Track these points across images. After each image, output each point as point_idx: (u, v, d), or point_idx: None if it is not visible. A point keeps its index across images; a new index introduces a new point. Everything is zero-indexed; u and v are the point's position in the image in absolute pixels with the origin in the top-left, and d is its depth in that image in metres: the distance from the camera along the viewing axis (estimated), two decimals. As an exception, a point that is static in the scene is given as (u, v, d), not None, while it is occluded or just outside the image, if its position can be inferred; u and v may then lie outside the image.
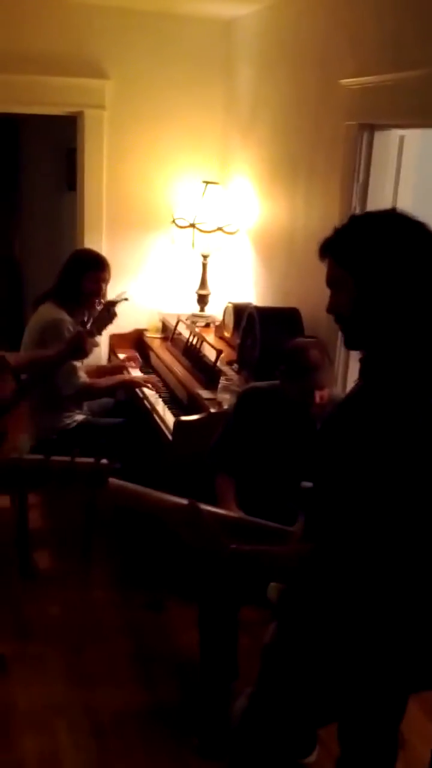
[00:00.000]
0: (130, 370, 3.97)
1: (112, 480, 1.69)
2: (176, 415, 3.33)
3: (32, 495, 3.61)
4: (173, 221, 4.31)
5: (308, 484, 1.80)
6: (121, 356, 4.21)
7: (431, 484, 1.57)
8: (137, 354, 4.22)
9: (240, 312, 3.69)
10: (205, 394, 3.37)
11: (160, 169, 4.43)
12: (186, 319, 4.20)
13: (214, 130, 4.44)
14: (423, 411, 1.55)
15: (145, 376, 3.86)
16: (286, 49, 3.69)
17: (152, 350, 4.19)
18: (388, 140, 3.01)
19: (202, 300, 4.38)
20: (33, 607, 3.23)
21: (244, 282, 4.28)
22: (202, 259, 4.33)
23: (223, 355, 3.55)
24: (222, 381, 3.36)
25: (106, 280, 3.57)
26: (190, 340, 3.88)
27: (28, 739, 2.56)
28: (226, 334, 3.94)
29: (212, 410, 3.20)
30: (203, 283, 4.37)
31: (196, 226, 4.14)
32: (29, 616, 3.18)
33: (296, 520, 1.97)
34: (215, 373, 3.46)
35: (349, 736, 1.85)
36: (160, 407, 3.55)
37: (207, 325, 4.24)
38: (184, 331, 4.04)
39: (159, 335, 4.37)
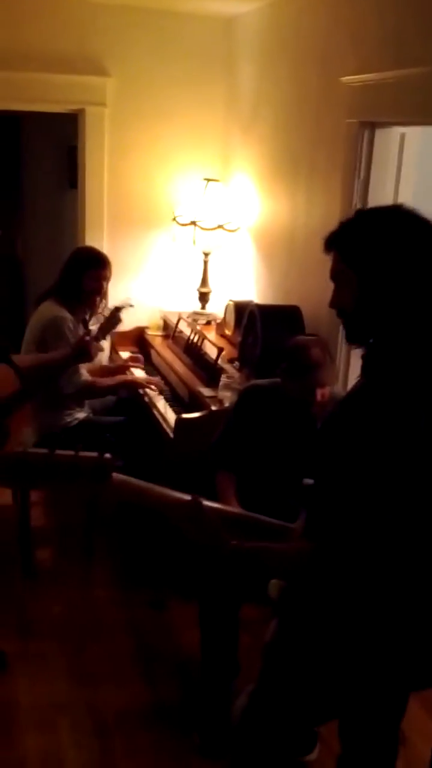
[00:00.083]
0: (133, 371, 3.96)
1: (116, 475, 1.69)
2: (177, 412, 3.33)
3: (34, 492, 3.61)
4: (174, 219, 4.31)
5: (310, 482, 1.80)
6: (123, 355, 4.20)
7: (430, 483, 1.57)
8: (140, 354, 4.22)
9: (241, 310, 3.69)
10: (206, 391, 3.37)
11: (161, 166, 4.43)
12: (187, 317, 4.20)
13: (215, 127, 4.44)
14: (425, 408, 1.55)
15: (148, 377, 3.85)
16: (287, 46, 3.69)
17: (153, 348, 4.19)
18: (389, 138, 3.01)
19: (203, 298, 4.38)
20: (35, 605, 3.24)
21: (245, 280, 4.28)
22: (203, 256, 4.33)
23: (224, 352, 3.55)
24: (223, 379, 3.36)
25: (107, 278, 3.57)
26: (191, 337, 3.88)
27: (30, 737, 2.56)
28: (227, 332, 3.94)
29: (213, 408, 3.20)
30: (204, 281, 4.37)
31: (197, 223, 4.14)
32: (31, 615, 3.18)
33: (297, 517, 1.97)
34: (216, 371, 3.46)
35: (350, 734, 1.85)
36: (162, 405, 3.55)
37: (208, 323, 4.24)
38: (185, 329, 4.04)
39: (160, 333, 4.37)
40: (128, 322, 4.03)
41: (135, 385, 3.76)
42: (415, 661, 1.68)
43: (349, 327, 1.70)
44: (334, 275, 1.68)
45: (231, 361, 3.58)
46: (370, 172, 3.01)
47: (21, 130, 6.33)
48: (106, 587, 3.39)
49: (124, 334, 4.37)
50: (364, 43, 2.98)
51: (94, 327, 3.58)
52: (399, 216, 1.63)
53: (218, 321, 4.20)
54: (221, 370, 3.45)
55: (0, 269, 6.59)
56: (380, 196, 3.00)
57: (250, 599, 2.52)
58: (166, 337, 4.29)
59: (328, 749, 2.37)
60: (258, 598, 2.35)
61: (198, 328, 3.97)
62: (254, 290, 4.14)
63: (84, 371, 3.51)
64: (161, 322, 4.45)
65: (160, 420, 3.43)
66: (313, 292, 3.35)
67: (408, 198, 3.02)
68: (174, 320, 4.20)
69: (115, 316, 3.44)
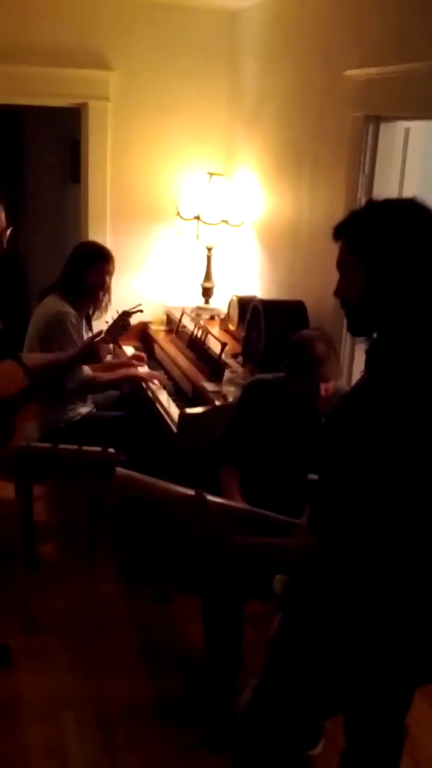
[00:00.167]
0: (138, 368, 3.95)
1: (119, 469, 1.69)
2: (181, 407, 3.33)
3: (37, 487, 3.61)
4: (178, 213, 4.30)
5: (314, 477, 1.79)
6: (127, 349, 4.19)
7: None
8: (143, 350, 4.21)
9: (245, 305, 3.68)
10: (209, 386, 3.37)
11: (165, 161, 4.42)
12: (190, 312, 4.19)
13: (218, 122, 4.43)
14: (428, 405, 1.54)
15: (150, 372, 3.85)
16: (291, 40, 3.67)
17: (157, 343, 4.19)
18: (393, 132, 3.00)
19: (207, 293, 4.37)
20: (39, 599, 3.24)
21: (248, 275, 4.27)
22: (206, 251, 4.32)
23: (227, 347, 3.54)
24: (227, 374, 3.36)
25: (110, 273, 3.57)
26: (195, 332, 3.87)
27: (34, 730, 2.57)
28: (231, 327, 3.93)
29: (217, 403, 3.20)
30: (208, 276, 4.36)
31: (201, 218, 4.14)
32: (35, 609, 3.19)
33: (302, 512, 1.97)
34: (220, 366, 3.46)
35: (355, 729, 1.85)
36: (165, 400, 3.55)
37: (211, 318, 4.24)
38: (188, 324, 4.03)
39: (163, 328, 4.36)
40: (132, 317, 4.01)
41: (137, 379, 3.76)
42: (420, 656, 1.68)
43: (353, 318, 1.69)
44: (341, 265, 1.66)
45: (235, 356, 3.57)
46: (375, 166, 3.00)
47: (24, 125, 6.31)
48: (110, 582, 3.39)
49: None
50: (367, 37, 2.97)
51: (96, 325, 3.60)
52: (412, 210, 1.61)
53: (222, 316, 4.20)
54: (225, 365, 3.45)
55: (3, 264, 6.58)
56: (385, 190, 2.99)
57: (254, 594, 2.52)
58: (169, 331, 4.28)
59: (332, 744, 2.37)
60: (262, 593, 2.35)
61: (201, 323, 3.97)
62: (258, 285, 4.14)
63: (86, 367, 3.51)
64: (164, 317, 4.44)
65: (164, 415, 3.43)
66: (318, 286, 3.34)
67: (412, 192, 3.00)
68: (177, 315, 4.20)
69: (123, 320, 3.47)
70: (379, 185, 3.01)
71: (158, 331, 4.32)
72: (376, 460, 1.52)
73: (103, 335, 3.44)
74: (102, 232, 4.38)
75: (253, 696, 1.85)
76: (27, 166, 6.40)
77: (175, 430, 3.23)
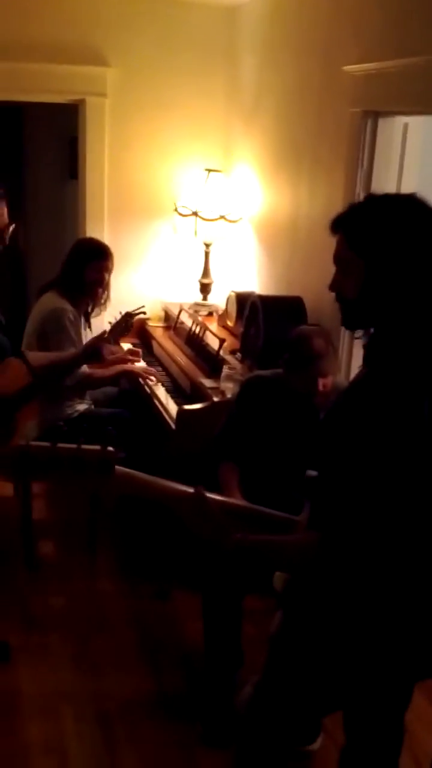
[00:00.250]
0: (133, 363, 3.95)
1: (119, 468, 1.69)
2: (179, 404, 3.32)
3: (36, 485, 3.61)
4: (176, 209, 4.29)
5: (313, 473, 1.79)
6: (125, 346, 4.19)
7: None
8: (140, 345, 4.20)
9: (243, 301, 3.68)
10: (208, 383, 3.37)
11: (163, 157, 4.41)
12: (188, 308, 4.19)
13: (216, 117, 4.41)
14: (427, 398, 1.54)
15: (146, 367, 3.83)
16: (290, 35, 3.66)
17: (155, 339, 4.18)
18: (392, 128, 2.99)
19: (205, 289, 4.37)
20: (38, 597, 3.24)
21: (246, 271, 4.26)
22: (204, 247, 4.32)
23: (226, 343, 3.54)
24: (225, 370, 3.35)
25: (109, 270, 3.56)
26: (193, 329, 3.87)
27: (34, 726, 2.57)
28: (229, 323, 3.93)
29: (215, 399, 3.20)
30: (206, 272, 4.36)
31: (199, 214, 4.13)
32: (35, 606, 3.19)
33: (301, 509, 1.97)
34: (218, 362, 3.46)
35: (354, 725, 1.85)
36: (163, 396, 3.55)
37: (210, 314, 4.23)
38: (186, 320, 4.03)
39: (161, 324, 4.36)
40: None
41: (133, 375, 3.75)
42: (420, 652, 1.69)
43: (349, 313, 1.68)
44: (339, 259, 1.65)
45: (233, 352, 3.57)
46: (373, 162, 3.00)
47: (23, 122, 6.31)
48: (109, 579, 3.39)
49: (125, 325, 4.36)
50: (366, 32, 2.96)
51: (95, 322, 3.59)
52: (412, 205, 1.60)
53: (220, 312, 4.19)
54: (223, 361, 3.44)
55: (2, 260, 6.56)
56: (383, 186, 2.98)
57: (254, 590, 2.52)
58: (167, 328, 4.28)
59: (332, 740, 2.37)
60: (262, 590, 2.35)
61: (199, 319, 3.96)
62: (256, 281, 4.13)
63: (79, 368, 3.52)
64: (162, 314, 4.44)
65: (162, 411, 3.42)
66: (316, 282, 3.34)
67: (411, 188, 3.00)
68: (175, 311, 4.19)
69: (127, 321, 3.47)
70: (378, 180, 3.01)
71: (156, 328, 4.32)
72: (376, 455, 1.52)
73: (105, 335, 3.44)
74: (100, 229, 4.38)
75: (254, 692, 1.85)
76: (26, 163, 6.39)
77: (173, 426, 3.23)
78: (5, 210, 2.64)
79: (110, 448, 1.68)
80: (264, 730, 1.81)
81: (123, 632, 3.06)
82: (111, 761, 2.47)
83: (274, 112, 3.86)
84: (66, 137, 5.34)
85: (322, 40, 3.33)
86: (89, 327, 3.66)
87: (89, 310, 3.63)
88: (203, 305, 4.32)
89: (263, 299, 3.42)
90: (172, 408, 3.36)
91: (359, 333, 1.90)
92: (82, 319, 3.60)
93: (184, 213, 4.22)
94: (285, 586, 1.92)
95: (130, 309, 3.51)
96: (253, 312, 3.42)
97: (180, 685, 2.79)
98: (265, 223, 4.03)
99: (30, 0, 4.03)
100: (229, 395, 3.17)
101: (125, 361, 3.91)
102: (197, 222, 4.15)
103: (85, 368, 3.51)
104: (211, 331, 3.73)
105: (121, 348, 4.14)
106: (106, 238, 4.09)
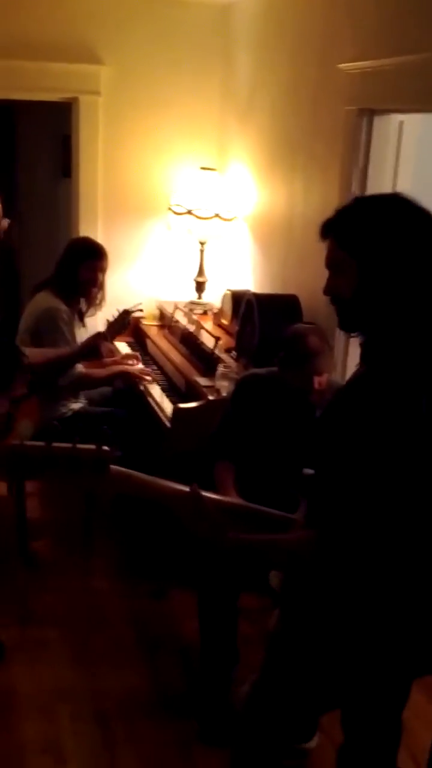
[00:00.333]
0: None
1: (114, 467, 1.68)
2: (174, 402, 3.32)
3: (29, 484, 3.60)
4: (170, 208, 4.29)
5: (310, 471, 1.79)
6: (119, 345, 4.17)
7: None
8: (137, 347, 4.19)
9: (238, 299, 3.68)
10: (203, 381, 3.36)
11: (157, 155, 4.40)
12: (183, 307, 4.18)
13: (211, 116, 4.41)
14: (425, 395, 1.54)
15: (141, 368, 3.82)
16: (285, 33, 3.66)
17: (149, 338, 4.17)
18: (387, 126, 2.99)
19: (200, 287, 4.36)
20: (35, 595, 3.24)
21: (241, 269, 4.26)
22: (199, 246, 4.31)
23: (221, 342, 3.54)
24: (220, 368, 3.35)
25: (103, 269, 3.56)
26: (188, 327, 3.86)
27: (31, 725, 2.57)
28: (224, 322, 3.93)
29: (210, 397, 3.19)
30: (201, 271, 4.35)
31: (193, 212, 4.12)
32: (31, 604, 3.18)
33: (297, 507, 1.97)
34: (213, 361, 3.45)
35: (352, 723, 1.85)
36: (158, 395, 3.54)
37: (204, 313, 4.22)
38: (181, 319, 4.02)
39: (156, 323, 4.35)
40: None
41: (129, 376, 3.74)
42: (417, 648, 1.69)
43: (345, 314, 1.69)
44: (331, 263, 1.67)
45: (228, 350, 3.57)
46: (369, 160, 3.00)
47: (16, 120, 6.29)
48: (106, 577, 3.39)
49: (120, 324, 4.36)
50: (362, 29, 2.96)
51: (90, 322, 3.59)
52: (399, 203, 1.62)
53: (215, 311, 4.19)
54: (218, 360, 3.44)
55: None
56: (379, 184, 2.98)
57: (250, 589, 2.52)
58: (162, 326, 4.27)
59: (329, 739, 2.37)
60: (258, 588, 2.35)
61: (194, 317, 3.96)
62: (251, 279, 4.13)
63: (78, 363, 3.51)
64: (157, 312, 4.43)
65: (157, 410, 3.42)
66: (311, 280, 3.33)
67: (407, 186, 3.01)
68: (170, 310, 4.18)
69: (124, 318, 3.48)
70: (373, 178, 3.01)
71: (150, 326, 4.31)
72: (375, 453, 1.52)
73: (104, 332, 3.45)
74: (93, 227, 4.37)
75: (252, 690, 1.85)
76: (19, 161, 6.38)
77: (168, 425, 3.22)
78: None
79: (105, 447, 1.67)
80: (262, 728, 1.81)
81: (120, 631, 3.06)
82: (108, 760, 2.46)
83: (269, 110, 3.86)
84: (59, 136, 5.32)
85: (317, 38, 3.33)
86: (84, 326, 3.65)
87: (83, 309, 3.62)
88: (198, 304, 4.32)
89: (258, 297, 3.42)
90: (167, 407, 3.36)
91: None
92: (77, 319, 3.59)
93: (178, 211, 4.21)
94: (282, 584, 1.92)
95: (125, 307, 3.51)
96: (248, 310, 3.41)
97: (177, 683, 2.79)
98: (260, 222, 4.03)
99: (23, -3, 4.03)
100: (224, 394, 3.17)
101: (122, 363, 3.90)
102: (192, 220, 4.15)
103: (80, 368, 3.51)
104: (206, 330, 3.73)
105: (118, 350, 4.12)
106: (100, 237, 4.08)
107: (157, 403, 3.46)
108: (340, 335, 3.12)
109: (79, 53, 4.16)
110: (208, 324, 3.96)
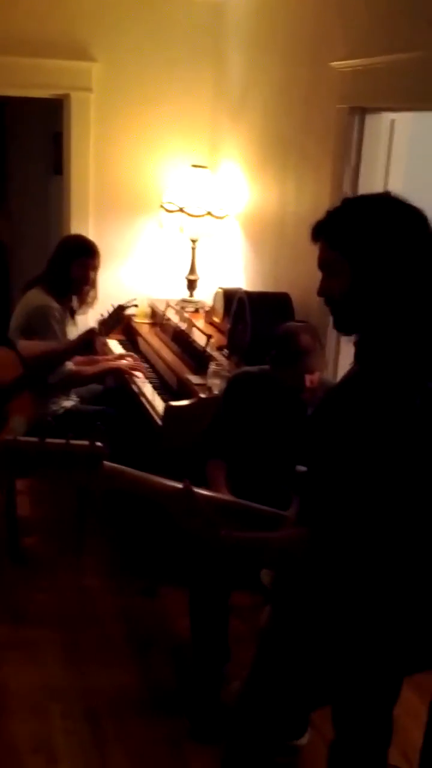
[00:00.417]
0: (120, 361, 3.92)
1: (107, 463, 1.68)
2: (166, 400, 3.31)
3: (19, 481, 3.59)
4: (161, 206, 4.28)
5: (303, 469, 1.79)
6: (111, 343, 4.16)
7: (426, 466, 1.57)
8: (128, 345, 4.18)
9: (230, 297, 3.68)
10: (194, 379, 3.36)
11: (148, 152, 4.39)
12: (175, 305, 4.18)
13: (203, 113, 4.40)
14: (419, 394, 1.55)
15: (132, 363, 3.81)
16: (277, 31, 3.66)
17: (141, 336, 4.17)
18: (379, 124, 3.00)
19: (192, 285, 4.36)
20: (26, 593, 3.23)
21: (233, 267, 4.26)
22: (191, 243, 4.31)
23: (212, 340, 3.53)
24: (212, 366, 3.35)
25: (95, 267, 3.55)
26: (180, 325, 3.86)
27: (21, 723, 2.56)
28: (216, 320, 3.92)
29: (202, 395, 3.19)
30: (192, 268, 4.35)
31: (185, 210, 4.12)
32: (22, 602, 3.17)
33: (289, 504, 1.97)
34: (205, 359, 3.45)
35: (343, 719, 1.86)
36: (150, 393, 3.53)
37: (196, 311, 4.22)
38: (173, 317, 4.02)
39: (148, 321, 4.34)
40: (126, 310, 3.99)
41: (120, 372, 3.74)
42: (408, 646, 1.69)
43: (340, 315, 1.69)
44: (323, 264, 1.67)
45: (220, 348, 3.57)
46: (361, 158, 3.00)
47: (6, 116, 6.27)
48: (97, 575, 3.38)
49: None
50: (354, 27, 2.96)
51: (82, 320, 3.59)
52: (389, 203, 1.62)
53: (206, 308, 4.18)
54: (210, 358, 3.44)
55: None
56: (370, 182, 2.99)
57: (241, 586, 2.52)
58: (153, 324, 4.26)
59: (320, 736, 2.38)
60: (250, 586, 2.35)
61: (186, 315, 3.95)
62: (243, 277, 4.13)
63: (68, 361, 3.51)
64: (149, 310, 4.42)
65: (149, 408, 3.41)
66: (303, 278, 3.34)
67: (398, 184, 3.02)
68: (162, 308, 4.18)
69: (118, 314, 3.47)
70: (365, 177, 3.01)
71: (142, 324, 4.30)
72: (368, 452, 1.52)
73: (98, 328, 3.45)
74: (85, 225, 4.36)
75: (244, 687, 1.86)
76: (10, 159, 6.37)
77: (160, 423, 3.22)
78: None
79: (99, 444, 1.67)
80: (253, 725, 1.82)
81: (111, 628, 3.05)
82: (99, 758, 2.46)
83: (261, 108, 3.86)
84: (50, 133, 5.31)
85: (309, 36, 3.33)
86: (75, 324, 3.64)
87: (75, 307, 3.61)
88: (190, 301, 4.31)
89: (250, 295, 3.42)
90: (159, 405, 3.35)
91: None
92: (68, 317, 3.58)
93: (170, 209, 4.21)
94: (274, 581, 1.92)
95: (120, 303, 3.51)
96: (240, 308, 3.41)
97: (168, 681, 2.79)
98: (252, 220, 4.03)
99: (14, -7, 4.01)
100: (216, 392, 3.17)
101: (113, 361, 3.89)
102: (183, 218, 4.14)
103: (70, 366, 3.50)
104: (197, 328, 3.73)
105: (111, 348, 4.11)
106: (92, 234, 4.07)
107: (148, 401, 3.46)
108: (332, 333, 3.12)
109: (72, 50, 4.14)
110: (200, 322, 3.96)
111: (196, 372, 3.44)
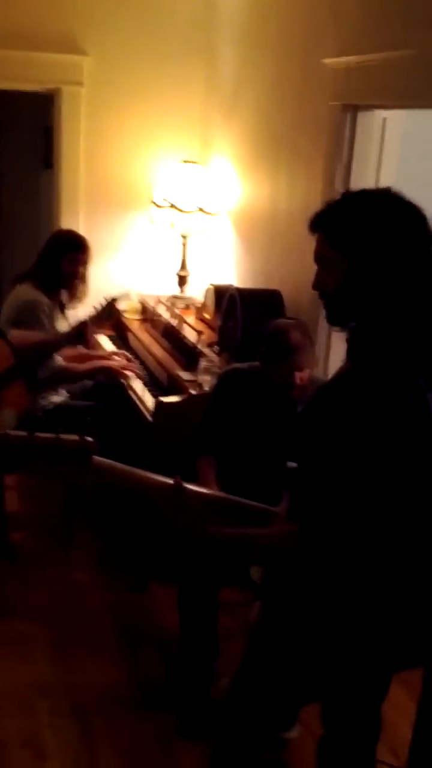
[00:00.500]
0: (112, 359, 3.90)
1: (97, 457, 1.67)
2: (156, 397, 3.31)
3: (7, 476, 3.58)
4: (152, 201, 4.27)
5: (293, 465, 1.79)
6: (101, 339, 4.15)
7: (419, 462, 1.57)
8: (118, 341, 4.17)
9: (221, 294, 3.67)
10: (185, 375, 3.36)
11: (139, 147, 4.38)
12: (166, 301, 4.17)
13: (194, 109, 4.39)
14: (410, 390, 1.55)
15: (124, 362, 3.80)
16: (269, 27, 3.65)
17: (131, 332, 4.15)
18: (371, 121, 3.00)
19: (182, 281, 4.35)
20: (14, 588, 3.22)
21: (224, 263, 4.25)
22: (182, 239, 4.30)
23: (203, 336, 3.53)
24: (202, 362, 3.34)
25: (85, 262, 3.54)
26: (170, 321, 3.85)
27: (10, 719, 2.55)
28: (207, 316, 3.92)
29: (192, 392, 3.19)
30: (183, 265, 4.34)
31: (176, 206, 4.11)
32: (11, 598, 3.16)
33: (280, 500, 1.97)
34: (195, 355, 3.44)
35: (332, 715, 1.86)
36: (140, 389, 3.53)
37: (187, 307, 4.21)
38: (163, 313, 4.01)
39: (138, 317, 4.33)
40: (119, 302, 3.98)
41: (111, 370, 3.73)
42: (397, 642, 1.69)
43: (333, 309, 1.68)
44: (320, 258, 1.65)
45: (211, 345, 3.56)
46: (352, 156, 3.00)
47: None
48: (86, 570, 3.38)
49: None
50: (346, 25, 2.96)
51: (72, 315, 3.58)
52: (389, 199, 1.60)
53: (197, 305, 4.18)
54: (200, 354, 3.43)
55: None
56: (362, 180, 2.99)
57: (231, 583, 2.52)
58: (144, 320, 4.25)
59: (308, 732, 2.38)
60: (240, 582, 2.35)
61: (177, 311, 3.94)
62: (234, 274, 4.12)
63: (59, 357, 3.49)
64: (139, 306, 4.41)
65: (139, 404, 3.40)
66: (294, 275, 3.34)
67: (390, 182, 2.99)
68: (152, 304, 4.17)
69: (111, 305, 3.46)
70: (356, 174, 3.01)
71: (132, 320, 4.29)
72: (359, 448, 1.52)
73: (90, 319, 3.44)
74: (75, 219, 4.34)
75: (233, 682, 1.85)
76: (0, 153, 6.33)
77: (150, 419, 3.22)
78: None
79: (89, 438, 1.66)
80: (242, 721, 1.82)
81: (100, 624, 3.05)
82: (88, 754, 2.46)
83: (254, 104, 3.85)
84: (40, 127, 5.28)
85: (301, 32, 3.33)
86: (65, 319, 3.63)
87: (65, 302, 3.60)
88: (180, 298, 4.30)
89: (241, 292, 3.42)
90: (149, 401, 3.34)
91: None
92: (58, 311, 3.57)
93: (160, 205, 4.20)
94: (263, 578, 1.92)
95: (112, 295, 3.51)
96: (231, 305, 3.41)
97: (157, 677, 2.79)
98: (244, 216, 4.02)
99: (5, -14, 3.98)
100: (206, 388, 3.16)
101: (108, 359, 3.87)
102: (174, 214, 4.13)
103: (61, 362, 3.49)
104: (188, 324, 3.72)
105: (103, 347, 4.09)
106: (82, 229, 4.05)
107: (138, 397, 3.45)
108: (322, 330, 3.13)
109: (63, 44, 4.12)
110: (191, 318, 3.95)
111: (186, 368, 3.43)
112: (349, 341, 1.66)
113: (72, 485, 3.41)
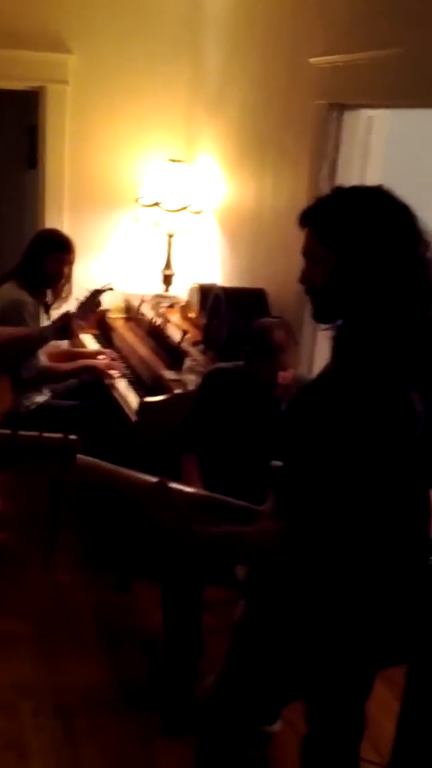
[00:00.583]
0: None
1: (80, 456, 1.66)
2: (141, 396, 3.30)
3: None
4: (137, 200, 4.26)
5: (278, 464, 1.79)
6: (85, 337, 4.13)
7: (402, 461, 1.58)
8: (102, 340, 4.15)
9: (206, 292, 3.67)
10: (169, 374, 3.35)
11: (124, 146, 4.36)
12: (150, 300, 4.16)
13: (179, 107, 4.38)
14: (393, 388, 1.55)
15: (109, 362, 3.78)
16: (255, 25, 3.65)
17: (115, 331, 4.14)
18: (356, 121, 3.00)
19: (167, 280, 4.34)
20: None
21: (209, 262, 4.25)
22: (167, 238, 4.29)
23: (188, 335, 3.52)
24: (187, 362, 3.34)
25: (70, 262, 3.52)
26: (154, 320, 3.84)
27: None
28: (192, 315, 3.91)
29: (177, 391, 3.18)
30: (168, 263, 4.33)
31: (161, 205, 4.10)
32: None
33: (264, 499, 1.96)
34: (180, 354, 3.44)
35: (316, 713, 1.86)
36: (124, 388, 3.51)
37: (171, 306, 4.20)
38: (148, 312, 4.00)
39: (122, 315, 4.31)
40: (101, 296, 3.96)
41: (96, 370, 3.71)
42: (381, 640, 1.69)
43: (320, 305, 1.67)
44: (309, 253, 1.64)
45: (195, 344, 3.55)
46: (338, 154, 3.00)
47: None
48: (70, 570, 3.36)
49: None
50: (333, 24, 2.96)
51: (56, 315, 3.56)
52: (380, 197, 1.60)
53: (182, 304, 4.17)
54: (185, 353, 3.42)
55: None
56: (347, 179, 2.99)
57: (215, 581, 2.52)
58: (128, 319, 4.24)
59: (292, 730, 2.38)
60: (225, 580, 2.35)
61: (161, 310, 3.93)
62: (219, 273, 4.12)
63: (42, 356, 3.48)
64: (123, 305, 4.39)
65: (123, 404, 3.39)
66: (279, 274, 3.34)
67: (374, 181, 3.02)
68: (136, 303, 4.16)
69: (95, 296, 3.45)
70: (342, 173, 3.02)
71: (116, 319, 4.28)
72: (343, 445, 1.52)
73: (74, 311, 3.43)
74: (59, 219, 4.32)
75: (217, 681, 1.85)
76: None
77: (134, 418, 3.21)
78: None
79: (72, 436, 1.65)
80: (226, 718, 1.81)
81: (83, 624, 3.04)
82: (71, 755, 2.44)
83: (240, 102, 3.84)
84: (24, 125, 5.26)
85: (288, 31, 3.33)
86: (49, 318, 3.61)
87: (49, 301, 3.58)
88: (165, 297, 4.29)
89: (226, 291, 3.41)
90: (133, 400, 3.33)
91: (325, 325, 1.89)
92: (42, 311, 3.55)
93: (145, 203, 4.19)
94: (248, 576, 1.92)
95: (96, 287, 3.50)
96: (216, 304, 3.40)
97: (141, 676, 2.78)
98: (229, 215, 4.02)
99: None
100: (190, 387, 3.16)
101: (94, 357, 3.85)
102: (159, 213, 4.12)
103: (45, 361, 3.47)
104: (173, 323, 3.71)
105: (87, 347, 4.06)
106: (66, 229, 4.03)
107: (122, 397, 3.44)
108: (307, 330, 3.13)
109: (48, 41, 4.10)
110: (175, 317, 3.94)
111: (170, 367, 3.42)
112: (334, 339, 1.65)
113: (55, 485, 3.39)
